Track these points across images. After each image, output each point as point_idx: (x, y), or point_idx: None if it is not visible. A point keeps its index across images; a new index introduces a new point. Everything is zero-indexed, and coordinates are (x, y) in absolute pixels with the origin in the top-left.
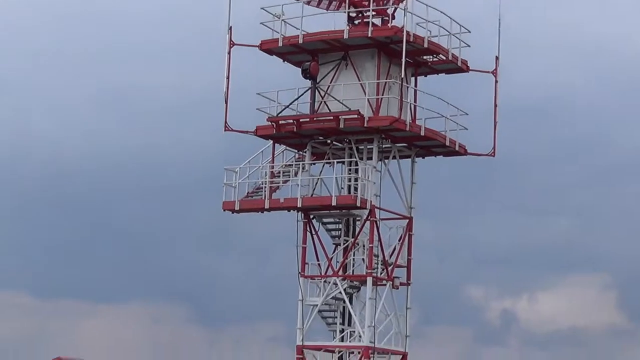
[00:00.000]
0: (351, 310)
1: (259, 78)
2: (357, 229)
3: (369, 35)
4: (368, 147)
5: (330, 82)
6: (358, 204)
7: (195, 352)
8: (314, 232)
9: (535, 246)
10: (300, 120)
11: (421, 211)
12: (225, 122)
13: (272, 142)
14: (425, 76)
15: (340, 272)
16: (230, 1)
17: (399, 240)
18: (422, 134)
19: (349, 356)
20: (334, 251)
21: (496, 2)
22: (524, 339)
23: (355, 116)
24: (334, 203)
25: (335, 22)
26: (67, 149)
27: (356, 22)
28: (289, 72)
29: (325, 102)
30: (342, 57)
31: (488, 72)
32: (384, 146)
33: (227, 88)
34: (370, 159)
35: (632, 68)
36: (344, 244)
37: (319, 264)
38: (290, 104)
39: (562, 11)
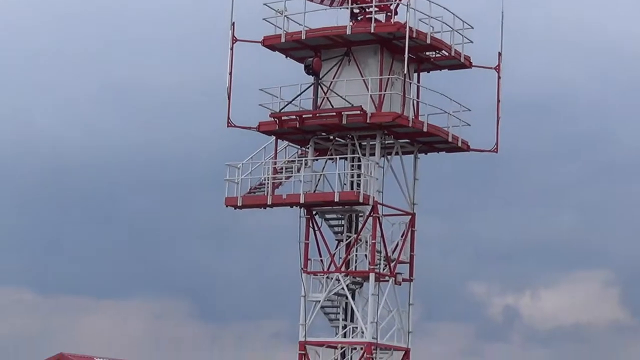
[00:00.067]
0: (354, 307)
1: (262, 74)
2: (360, 225)
3: (372, 31)
4: (371, 143)
5: (333, 78)
6: (361, 200)
7: (198, 348)
8: (316, 228)
9: (538, 242)
10: (303, 116)
11: (424, 207)
12: (228, 118)
13: (274, 138)
14: (428, 72)
15: (343, 268)
16: None
17: (402, 237)
18: (425, 130)
19: (351, 352)
20: (336, 247)
21: None
22: (527, 335)
23: (358, 112)
24: (336, 199)
25: (338, 18)
26: (69, 145)
27: (359, 18)
28: (292, 68)
29: (327, 98)
30: (345, 53)
31: (491, 68)
32: (386, 142)
33: (230, 84)
34: (373, 155)
35: (635, 64)
36: (346, 240)
37: (321, 260)
38: (293, 100)
39: (565, 7)
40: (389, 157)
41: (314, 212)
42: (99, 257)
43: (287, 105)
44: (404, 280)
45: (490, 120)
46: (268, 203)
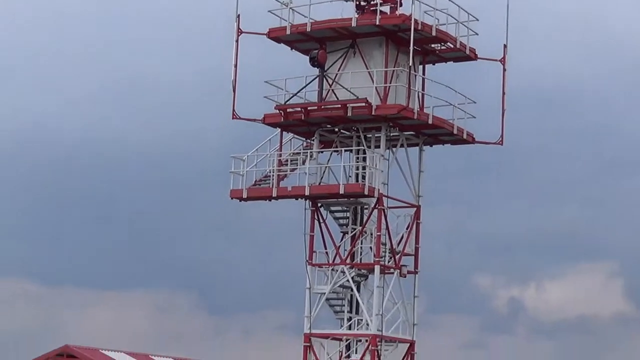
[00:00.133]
0: (359, 299)
1: (267, 66)
2: (365, 217)
3: (377, 23)
4: (376, 135)
5: (338, 70)
6: (366, 192)
7: (202, 340)
8: (321, 221)
9: (543, 235)
10: (308, 108)
11: (429, 199)
12: (233, 110)
13: (279, 130)
14: (433, 64)
15: (348, 261)
16: None
17: (407, 229)
18: (430, 122)
19: (356, 344)
20: (341, 239)
21: None
22: (532, 327)
23: (363, 104)
24: (341, 191)
25: (343, 10)
26: (74, 136)
27: (364, 10)
28: (297, 60)
29: (333, 90)
30: (350, 45)
31: (496, 60)
32: (391, 134)
33: (235, 76)
34: (378, 147)
35: None
36: (351, 232)
37: (326, 252)
38: (298, 92)
39: (570, 0)
40: (394, 149)
41: (319, 204)
42: (104, 249)
43: (292, 97)
44: (409, 272)
45: (495, 113)
46: (273, 195)
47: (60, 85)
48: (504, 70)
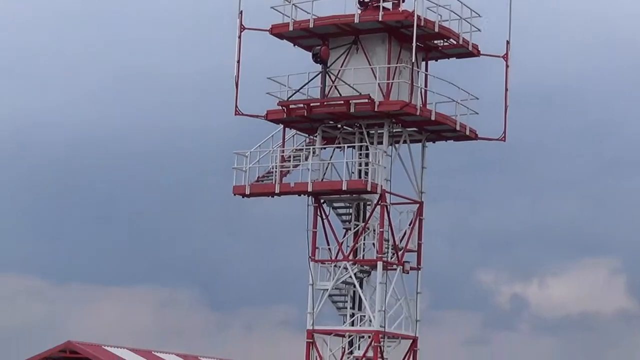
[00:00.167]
0: (361, 295)
1: (270, 62)
2: (368, 214)
3: (380, 19)
4: (378, 131)
5: (341, 67)
6: (368, 189)
7: (205, 335)
8: (324, 217)
9: (546, 231)
10: (311, 104)
11: (431, 196)
12: (236, 106)
13: (282, 126)
14: (436, 60)
15: (351, 257)
16: None
17: (410, 225)
18: (433, 118)
19: (359, 340)
20: (344, 235)
21: None
22: (534, 323)
23: (366, 100)
24: (344, 187)
25: (346, 6)
26: (77, 133)
27: (367, 6)
28: (300, 56)
29: (335, 86)
30: (353, 41)
31: (499, 56)
32: (394, 130)
33: (238, 72)
34: (381, 143)
35: None
36: (354, 228)
37: (329, 249)
38: (301, 88)
39: None
40: (396, 145)
41: (321, 201)
42: (107, 245)
43: (295, 93)
44: (411, 268)
45: (498, 109)
46: (276, 191)
47: (62, 82)
48: (507, 66)
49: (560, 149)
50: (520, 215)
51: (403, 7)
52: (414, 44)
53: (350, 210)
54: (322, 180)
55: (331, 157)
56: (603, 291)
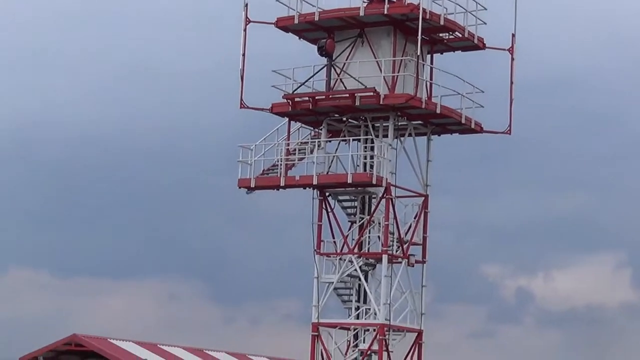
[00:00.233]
0: (367, 288)
1: (275, 55)
2: (373, 207)
3: (385, 12)
4: (384, 124)
5: (346, 60)
6: (374, 182)
7: (211, 329)
8: (329, 210)
9: (551, 224)
10: (316, 97)
11: (437, 189)
12: (241, 99)
13: (287, 119)
14: (441, 54)
15: (356, 250)
16: None
17: (415, 218)
18: (438, 111)
19: (364, 334)
20: (349, 229)
21: None
22: (539, 317)
23: (371, 94)
24: (349, 180)
25: None
26: (83, 127)
27: None
28: (305, 49)
29: (341, 79)
30: (358, 34)
31: (504, 49)
32: (399, 124)
33: (243, 65)
34: (386, 136)
35: None
36: (359, 221)
37: (334, 242)
38: (306, 81)
39: None
40: (402, 138)
41: (327, 194)
42: (113, 238)
43: (300, 86)
44: (416, 261)
45: (503, 102)
46: (281, 184)
47: (75, 72)
48: (512, 59)
49: (566, 142)
50: (525, 209)
51: (408, 0)
52: (419, 37)
53: (356, 204)
54: (327, 173)
55: (336, 150)
56: (608, 284)
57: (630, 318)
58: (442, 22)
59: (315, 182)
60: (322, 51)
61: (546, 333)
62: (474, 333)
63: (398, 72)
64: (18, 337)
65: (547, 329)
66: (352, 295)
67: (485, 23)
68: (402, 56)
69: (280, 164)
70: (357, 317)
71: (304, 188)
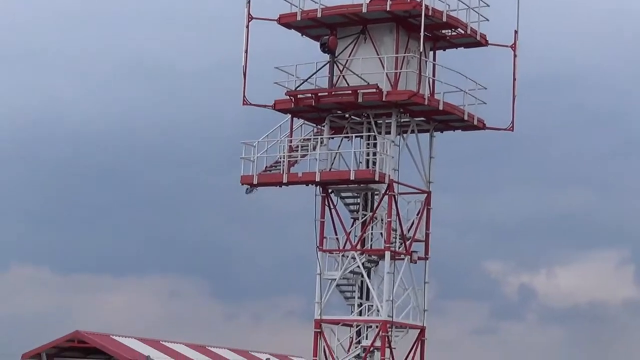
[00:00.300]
0: (369, 285)
1: (278, 52)
2: (376, 203)
3: (388, 9)
4: (386, 121)
5: (349, 56)
6: (376, 178)
7: (213, 325)
8: (332, 207)
9: (553, 220)
10: (319, 94)
11: (439, 185)
12: (244, 96)
13: (290, 116)
14: (444, 50)
15: (359, 247)
16: None
17: (417, 215)
18: (441, 108)
19: (366, 330)
20: (352, 225)
21: None
22: (542, 313)
23: (374, 90)
24: (352, 177)
25: None
26: (84, 126)
27: None
28: (308, 46)
29: (343, 76)
30: (361, 31)
31: (507, 46)
32: (402, 120)
33: (246, 62)
34: (389, 133)
35: None
36: (362, 218)
37: (337, 238)
38: (309, 78)
39: None
40: (404, 135)
41: (329, 191)
42: (115, 235)
43: (302, 83)
44: (419, 258)
45: (506, 99)
46: (284, 181)
47: (75, 70)
48: (515, 56)
49: (568, 138)
50: (528, 205)
51: None
52: (421, 34)
53: (358, 200)
54: (329, 170)
55: (339, 146)
56: (611, 281)
57: (633, 315)
58: (444, 19)
59: (317, 178)
60: (325, 48)
61: (549, 330)
62: (477, 330)
63: (401, 69)
64: (20, 334)
65: (550, 326)
66: (354, 291)
67: (487, 20)
68: (405, 53)
69: (283, 161)
70: (360, 313)
71: (307, 185)
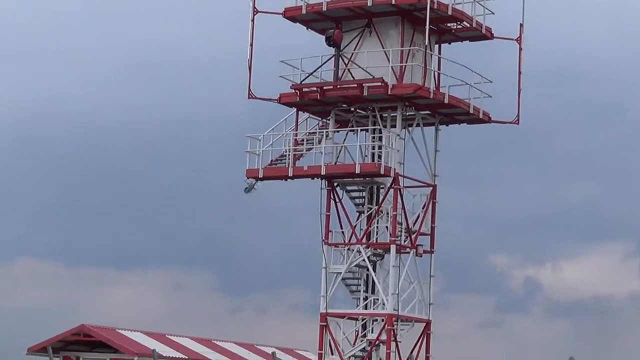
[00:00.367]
0: (375, 278)
1: (283, 46)
2: (381, 197)
3: (393, 2)
4: (392, 114)
5: (354, 50)
6: (382, 172)
7: (219, 319)
8: (337, 200)
9: (559, 214)
10: (324, 87)
11: (445, 179)
12: (249, 89)
13: (295, 109)
14: (449, 43)
15: (364, 240)
16: None
17: (423, 208)
18: (446, 101)
19: (372, 324)
20: (357, 219)
21: None
22: (548, 307)
23: (379, 84)
24: (357, 171)
25: None
26: (93, 118)
27: None
28: (313, 39)
29: (349, 69)
30: (366, 24)
31: (512, 39)
32: (407, 114)
33: (251, 55)
34: (394, 126)
35: None
36: (367, 211)
37: (342, 232)
38: (314, 71)
39: None
40: (410, 128)
41: (335, 184)
42: (120, 229)
43: (308, 76)
44: (425, 252)
45: (511, 92)
46: (289, 175)
47: (81, 64)
48: (520, 49)
49: (574, 131)
50: (533, 199)
51: None
52: (427, 27)
53: (364, 194)
54: (335, 163)
55: (344, 140)
56: (617, 274)
57: (638, 308)
58: (450, 12)
59: (323, 172)
60: (330, 41)
61: (554, 323)
62: (482, 323)
63: (406, 62)
64: (26, 328)
65: (555, 319)
66: (360, 285)
67: (493, 13)
68: (410, 46)
69: (288, 155)
70: (365, 307)
71: (312, 178)
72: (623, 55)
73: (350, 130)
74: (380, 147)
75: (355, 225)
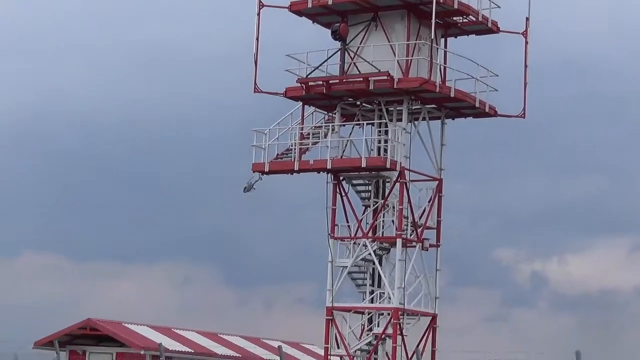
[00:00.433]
0: (381, 272)
1: (289, 40)
2: (387, 191)
3: None
4: (398, 108)
5: (360, 44)
6: (388, 166)
7: (225, 313)
8: (343, 194)
9: (565, 208)
10: (330, 81)
11: (451, 173)
12: (255, 83)
13: (301, 103)
14: (455, 37)
15: (370, 234)
16: None
17: (429, 202)
18: (452, 95)
19: (378, 318)
20: (363, 213)
21: None
22: (554, 301)
23: (385, 77)
24: (363, 164)
25: None
26: (97, 113)
27: None
28: (319, 33)
29: (354, 63)
30: (372, 18)
31: (518, 33)
32: (413, 107)
33: (257, 49)
34: (400, 120)
35: None
36: (373, 205)
37: (348, 226)
38: (320, 65)
39: None
40: (416, 122)
41: (341, 178)
42: (127, 222)
43: (314, 70)
44: (431, 245)
45: (517, 86)
46: (295, 169)
47: (83, 59)
48: (526, 43)
49: (580, 126)
50: (539, 193)
51: None
52: (433, 21)
53: (370, 188)
54: (341, 157)
55: (350, 134)
56: (622, 268)
57: None
58: (456, 6)
59: (329, 166)
60: (336, 35)
61: (560, 317)
62: (488, 317)
63: (412, 56)
64: (32, 322)
65: (561, 313)
66: (366, 279)
67: (499, 7)
68: (416, 40)
69: (294, 148)
70: (372, 301)
71: (318, 172)
72: (629, 50)
73: (356, 124)
74: (386, 141)
75: (361, 219)
